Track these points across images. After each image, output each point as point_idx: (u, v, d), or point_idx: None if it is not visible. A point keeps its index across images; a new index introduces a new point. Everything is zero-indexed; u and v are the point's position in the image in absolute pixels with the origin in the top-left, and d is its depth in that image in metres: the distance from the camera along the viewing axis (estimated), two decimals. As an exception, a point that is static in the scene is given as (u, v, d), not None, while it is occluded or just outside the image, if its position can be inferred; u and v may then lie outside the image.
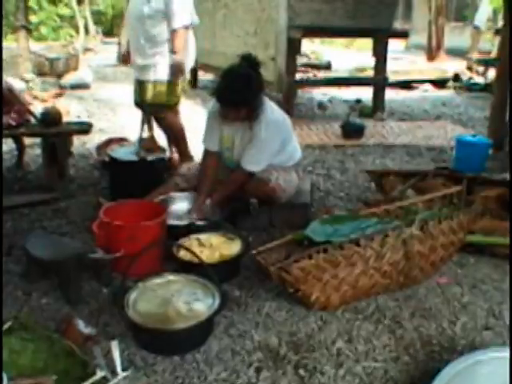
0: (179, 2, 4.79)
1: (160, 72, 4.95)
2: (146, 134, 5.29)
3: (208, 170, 4.04)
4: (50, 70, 12.03)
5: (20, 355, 2.45)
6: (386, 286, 3.09)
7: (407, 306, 3.03)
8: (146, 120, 5.16)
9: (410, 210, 3.33)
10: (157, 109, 5.13)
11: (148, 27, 4.89)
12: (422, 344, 2.71)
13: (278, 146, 3.92)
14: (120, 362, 1.99)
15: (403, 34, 10.44)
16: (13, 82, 5.99)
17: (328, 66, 14.39)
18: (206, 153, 4.09)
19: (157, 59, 4.95)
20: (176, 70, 4.89)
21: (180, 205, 3.96)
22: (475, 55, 14.58)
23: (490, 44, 13.79)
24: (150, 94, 5.07)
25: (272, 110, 3.91)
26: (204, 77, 11.34)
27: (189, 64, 5.29)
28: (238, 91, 3.71)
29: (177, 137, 5.28)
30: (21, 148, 5.72)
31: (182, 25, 4.81)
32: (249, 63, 3.83)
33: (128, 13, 5.54)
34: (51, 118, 5.16)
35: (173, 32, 4.80)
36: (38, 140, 5.54)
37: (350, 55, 17.33)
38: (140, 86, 5.18)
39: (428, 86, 11.93)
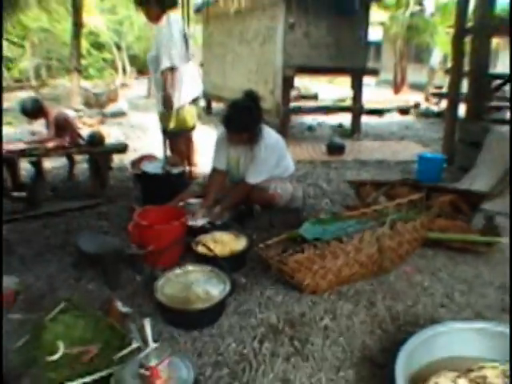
0: (165, 49, 4.72)
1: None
2: (169, 152, 5.33)
3: (215, 184, 4.03)
4: (96, 102, 12.10)
5: (73, 329, 2.47)
6: (363, 274, 3.08)
7: (380, 290, 3.02)
8: (164, 141, 5.19)
9: (382, 213, 3.32)
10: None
11: (156, 70, 4.90)
12: (391, 320, 2.70)
13: (275, 163, 3.91)
14: (151, 335, 1.98)
15: (374, 72, 10.45)
16: (66, 111, 5.99)
17: (315, 97, 14.41)
18: (214, 170, 4.08)
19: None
20: (165, 103, 4.88)
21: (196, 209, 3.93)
22: (431, 89, 14.67)
23: (442, 80, 13.89)
24: (160, 121, 5.16)
25: (269, 134, 3.91)
26: (217, 106, 11.33)
27: (193, 95, 5.27)
28: (241, 120, 3.73)
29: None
30: (72, 163, 5.74)
31: (165, 67, 4.73)
32: (250, 97, 3.84)
33: None
34: (96, 140, 5.21)
35: (161, 73, 4.79)
36: (85, 157, 5.54)
37: (332, 89, 17.32)
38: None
39: (394, 113, 11.96)
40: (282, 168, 4.01)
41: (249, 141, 3.80)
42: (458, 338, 2.24)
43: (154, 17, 4.81)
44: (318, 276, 2.87)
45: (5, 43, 15.85)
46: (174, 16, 4.88)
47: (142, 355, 1.88)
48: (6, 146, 5.05)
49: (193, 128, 5.35)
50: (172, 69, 4.77)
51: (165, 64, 4.71)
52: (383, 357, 2.33)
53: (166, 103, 4.84)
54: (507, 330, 2.24)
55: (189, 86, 5.05)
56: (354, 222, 3.29)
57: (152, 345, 1.93)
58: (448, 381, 1.87)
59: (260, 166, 3.81)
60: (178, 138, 5.21)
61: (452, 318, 2.68)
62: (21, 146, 5.06)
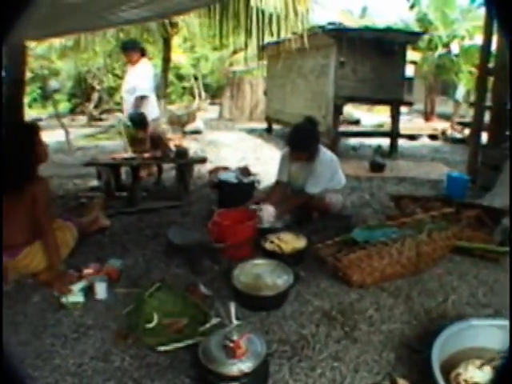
0: (141, 83, 5.58)
1: None
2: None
3: (277, 193, 4.03)
4: (178, 121, 12.28)
5: (165, 304, 2.57)
6: (403, 273, 3.04)
7: (416, 287, 2.97)
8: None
9: (419, 223, 3.27)
10: None
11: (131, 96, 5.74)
12: (425, 313, 2.66)
13: (329, 176, 3.90)
14: (234, 314, 2.02)
15: (409, 103, 10.26)
16: (160, 129, 6.21)
17: (357, 122, 14.24)
18: (278, 182, 4.10)
19: None
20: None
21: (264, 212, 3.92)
22: (456, 119, 14.33)
23: (465, 111, 13.56)
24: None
25: (324, 153, 3.89)
26: (277, 127, 11.37)
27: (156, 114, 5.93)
28: (302, 141, 3.74)
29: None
30: (160, 171, 5.87)
31: (138, 95, 5.56)
32: (310, 122, 3.86)
33: None
34: (181, 153, 5.29)
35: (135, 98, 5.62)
36: (170, 165, 5.69)
37: (371, 115, 17.04)
38: None
39: (425, 138, 11.69)
40: (335, 181, 3.99)
41: (308, 158, 3.80)
42: (482, 332, 2.20)
43: (133, 60, 5.65)
44: (365, 273, 2.86)
45: (111, 76, 16.77)
46: (148, 62, 5.82)
47: (226, 330, 1.92)
48: (113, 156, 5.28)
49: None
50: (142, 97, 5.58)
51: (138, 93, 5.54)
52: (418, 343, 2.30)
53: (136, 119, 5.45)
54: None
55: (154, 108, 5.87)
56: (396, 229, 3.24)
57: (235, 322, 1.97)
58: (475, 367, 1.86)
59: (317, 178, 3.80)
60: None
61: (475, 314, 2.62)
62: (124, 156, 5.23)
